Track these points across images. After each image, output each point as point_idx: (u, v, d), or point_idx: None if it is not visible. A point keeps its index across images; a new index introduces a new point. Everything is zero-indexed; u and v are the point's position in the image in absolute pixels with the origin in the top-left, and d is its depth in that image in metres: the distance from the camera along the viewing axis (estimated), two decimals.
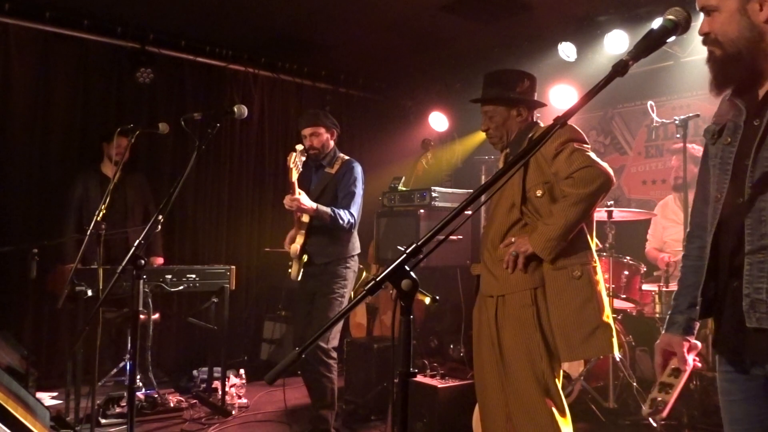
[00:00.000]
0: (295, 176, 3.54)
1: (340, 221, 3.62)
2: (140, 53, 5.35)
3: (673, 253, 4.56)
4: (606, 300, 2.44)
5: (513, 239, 2.48)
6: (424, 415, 3.65)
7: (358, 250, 3.84)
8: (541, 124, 2.67)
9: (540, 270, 2.44)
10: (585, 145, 2.44)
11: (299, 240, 3.68)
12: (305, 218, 3.66)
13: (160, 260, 4.97)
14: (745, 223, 1.45)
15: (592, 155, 2.40)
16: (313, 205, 3.56)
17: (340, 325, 3.86)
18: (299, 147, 3.66)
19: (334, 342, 3.71)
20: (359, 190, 3.77)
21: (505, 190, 2.54)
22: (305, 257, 3.69)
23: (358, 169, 3.80)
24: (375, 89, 7.11)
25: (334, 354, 3.67)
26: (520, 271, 2.44)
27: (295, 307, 4.18)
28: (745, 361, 1.50)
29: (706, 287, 1.56)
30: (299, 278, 3.73)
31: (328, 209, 3.61)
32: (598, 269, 2.46)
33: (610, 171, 2.39)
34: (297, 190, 3.53)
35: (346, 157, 3.84)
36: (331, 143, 3.84)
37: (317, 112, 3.92)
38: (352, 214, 3.69)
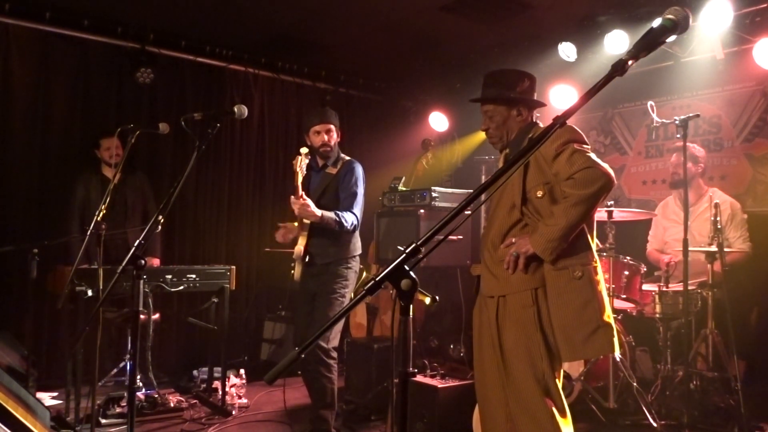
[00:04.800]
0: (300, 180, 3.52)
1: (345, 224, 3.62)
2: (140, 53, 5.35)
3: (674, 254, 4.55)
4: (607, 300, 2.44)
5: (514, 240, 2.48)
6: (424, 415, 3.65)
7: (359, 251, 3.83)
8: (541, 125, 2.67)
9: (541, 270, 2.44)
10: (585, 146, 2.44)
11: (302, 242, 3.66)
12: (306, 219, 3.66)
13: (156, 261, 4.93)
14: None
15: (593, 156, 2.39)
16: (318, 212, 3.53)
17: (340, 325, 3.85)
18: (304, 150, 3.64)
19: (335, 342, 3.69)
20: (361, 191, 3.75)
21: (506, 190, 2.54)
22: (308, 258, 3.69)
23: (359, 170, 3.78)
24: (375, 89, 7.10)
25: (335, 354, 3.65)
26: (521, 271, 2.44)
27: (295, 307, 4.17)
28: None
29: None
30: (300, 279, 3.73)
31: (332, 215, 3.58)
32: (599, 269, 2.46)
33: (611, 172, 2.39)
34: (302, 195, 3.51)
35: (347, 158, 3.83)
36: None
37: (329, 110, 3.86)
38: (355, 215, 3.68)
